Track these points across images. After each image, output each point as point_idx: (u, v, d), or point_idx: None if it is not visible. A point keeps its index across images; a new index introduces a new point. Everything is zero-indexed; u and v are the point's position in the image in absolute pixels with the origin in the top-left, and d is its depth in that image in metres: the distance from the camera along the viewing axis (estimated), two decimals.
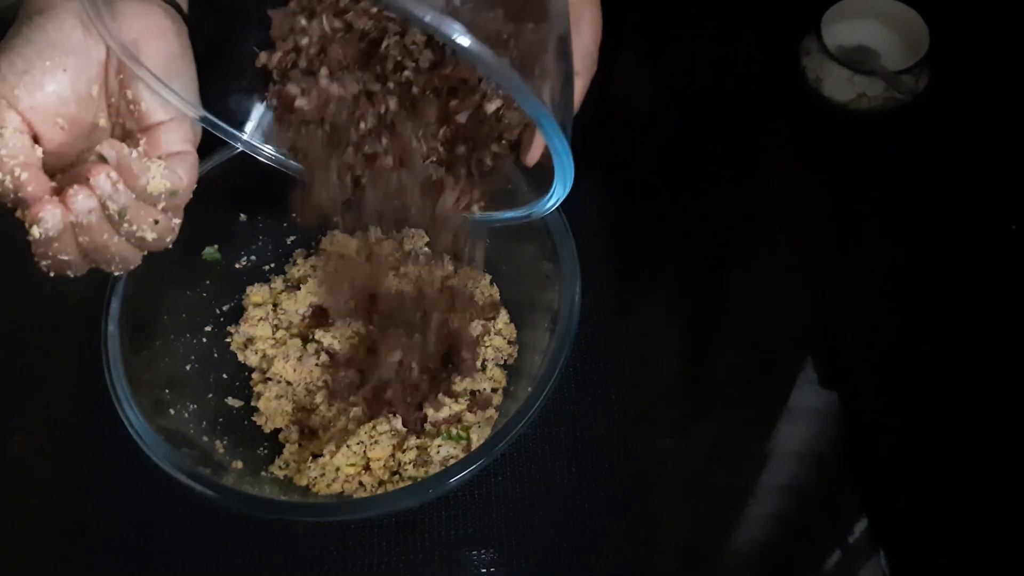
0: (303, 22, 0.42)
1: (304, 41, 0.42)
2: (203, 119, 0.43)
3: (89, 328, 0.51)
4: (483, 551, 0.55)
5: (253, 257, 0.63)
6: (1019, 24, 0.73)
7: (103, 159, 0.37)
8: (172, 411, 0.53)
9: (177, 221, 0.41)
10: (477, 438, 0.55)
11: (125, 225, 0.38)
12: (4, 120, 0.36)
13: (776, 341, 0.63)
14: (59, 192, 0.36)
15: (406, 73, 0.41)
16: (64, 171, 0.38)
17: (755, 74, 0.75)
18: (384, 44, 0.41)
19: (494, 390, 0.58)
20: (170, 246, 0.42)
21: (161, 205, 0.39)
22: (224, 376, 0.60)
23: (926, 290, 0.64)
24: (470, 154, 0.44)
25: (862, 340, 0.62)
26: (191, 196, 0.42)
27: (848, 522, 0.55)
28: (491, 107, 0.42)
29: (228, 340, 0.61)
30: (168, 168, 0.39)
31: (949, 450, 0.57)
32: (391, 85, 0.42)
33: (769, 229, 0.68)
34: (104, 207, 0.37)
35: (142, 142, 0.40)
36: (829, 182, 0.70)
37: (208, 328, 0.60)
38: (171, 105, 0.40)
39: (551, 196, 0.43)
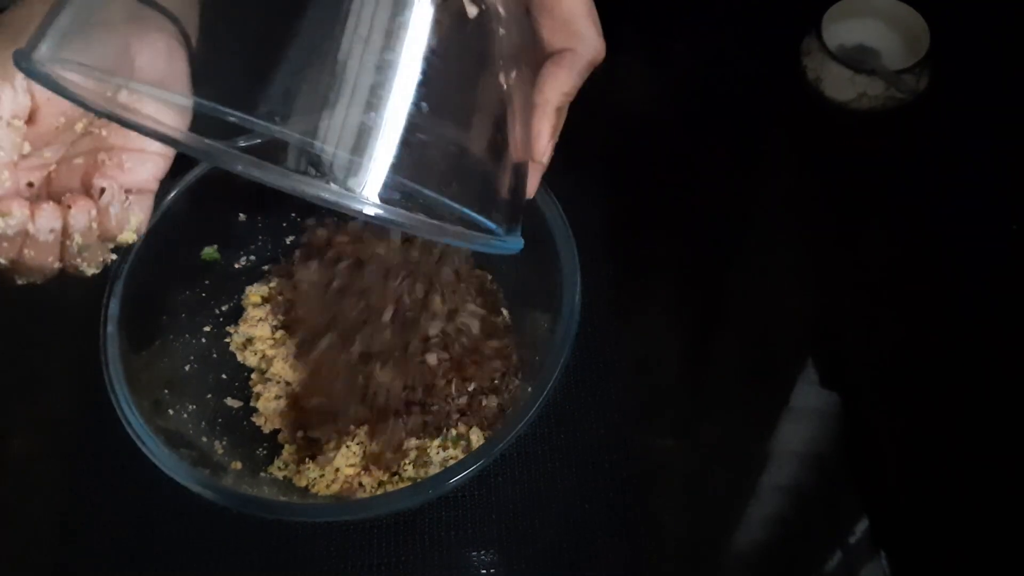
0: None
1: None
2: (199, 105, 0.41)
3: (89, 328, 0.51)
4: (483, 552, 0.55)
5: (252, 257, 0.63)
6: (1019, 24, 0.73)
7: (100, 191, 0.37)
8: (171, 411, 0.53)
9: (112, 256, 0.41)
10: (477, 439, 0.55)
11: (76, 259, 0.38)
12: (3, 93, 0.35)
13: (776, 341, 0.62)
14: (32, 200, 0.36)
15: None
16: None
17: (755, 74, 0.75)
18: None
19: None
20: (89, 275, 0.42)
21: (112, 247, 0.40)
22: (223, 376, 0.59)
23: (926, 290, 0.64)
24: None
25: (862, 340, 0.62)
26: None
27: (848, 522, 0.55)
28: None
29: (227, 340, 0.61)
30: (140, 213, 0.39)
31: (949, 450, 0.57)
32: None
33: (769, 229, 0.68)
34: (67, 236, 0.37)
35: (130, 196, 0.39)
36: (829, 182, 0.69)
37: (207, 328, 0.60)
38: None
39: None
